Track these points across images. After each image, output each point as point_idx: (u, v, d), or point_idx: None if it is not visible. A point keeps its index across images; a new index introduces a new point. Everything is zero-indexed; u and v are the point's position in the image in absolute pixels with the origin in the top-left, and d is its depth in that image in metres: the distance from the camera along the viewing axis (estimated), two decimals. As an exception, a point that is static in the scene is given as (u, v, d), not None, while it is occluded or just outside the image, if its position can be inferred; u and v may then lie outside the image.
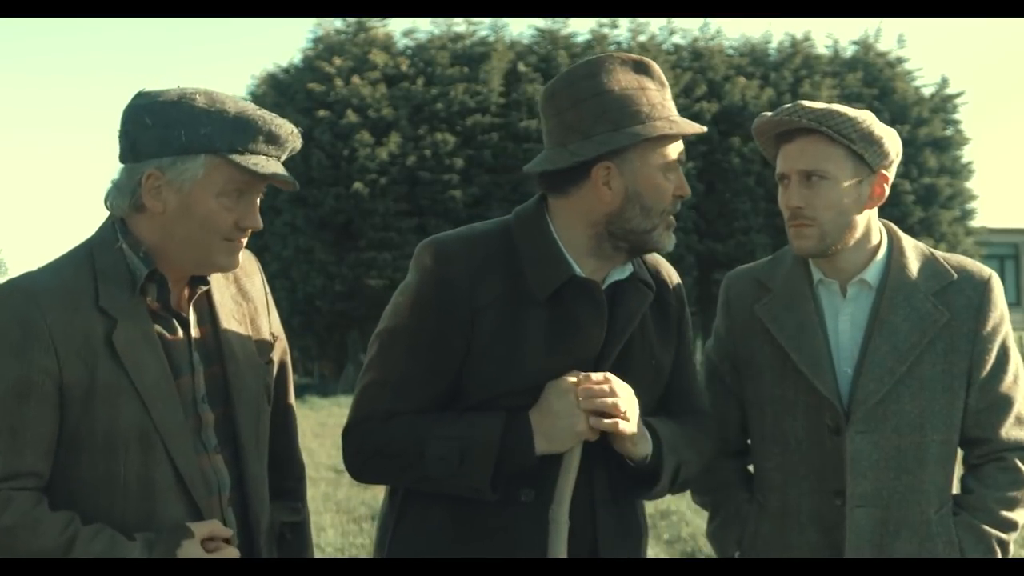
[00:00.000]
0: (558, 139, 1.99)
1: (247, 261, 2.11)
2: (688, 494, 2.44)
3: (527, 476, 1.96)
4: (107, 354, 1.84)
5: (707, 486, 2.41)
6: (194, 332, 1.98)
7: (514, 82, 19.76)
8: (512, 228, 2.05)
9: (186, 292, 1.98)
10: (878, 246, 2.29)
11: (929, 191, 21.24)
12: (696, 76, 20.29)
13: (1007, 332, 2.30)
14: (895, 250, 2.30)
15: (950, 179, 21.87)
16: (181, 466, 1.88)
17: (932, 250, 2.35)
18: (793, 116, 2.18)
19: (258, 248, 17.19)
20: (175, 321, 1.95)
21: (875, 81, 21.63)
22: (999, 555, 2.23)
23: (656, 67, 2.03)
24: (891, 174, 2.25)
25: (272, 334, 2.15)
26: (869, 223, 2.27)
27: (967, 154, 23.33)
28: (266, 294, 2.17)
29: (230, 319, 2.04)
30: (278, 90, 19.94)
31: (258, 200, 1.95)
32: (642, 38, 20.95)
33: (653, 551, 5.78)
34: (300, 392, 13.50)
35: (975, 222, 22.88)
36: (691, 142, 1.87)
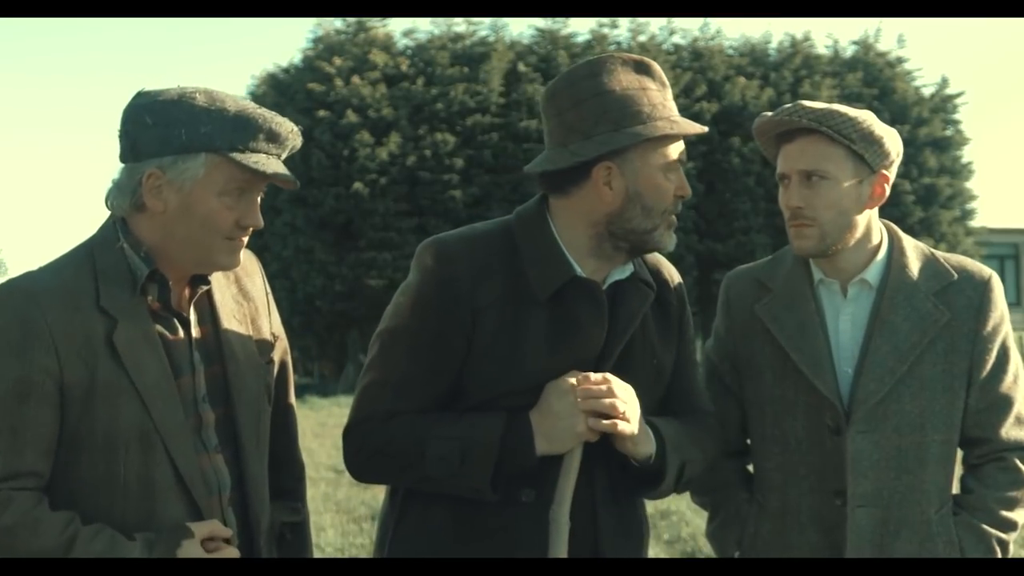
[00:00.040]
0: (559, 139, 1.99)
1: (248, 261, 2.11)
2: (688, 494, 2.44)
3: (528, 476, 1.96)
4: (108, 354, 1.83)
5: (707, 486, 2.41)
6: (195, 332, 1.98)
7: (514, 82, 19.75)
8: (513, 228, 2.05)
9: (187, 292, 1.98)
10: (879, 246, 2.29)
11: (929, 191, 21.25)
12: (696, 76, 20.29)
13: (1007, 332, 2.30)
14: (896, 250, 2.30)
15: (950, 179, 21.87)
16: (181, 466, 1.87)
17: (932, 250, 2.35)
18: (793, 116, 2.18)
19: (258, 248, 17.12)
20: (176, 321, 1.95)
21: (875, 81, 21.64)
22: (999, 555, 2.24)
23: (657, 67, 2.03)
24: (892, 174, 2.25)
25: (273, 334, 2.15)
26: (869, 223, 2.27)
27: (967, 154, 23.35)
28: (267, 294, 2.17)
29: (231, 319, 2.04)
30: (278, 90, 19.94)
31: (259, 198, 1.95)
32: (642, 38, 20.95)
33: (653, 551, 5.77)
34: (300, 392, 13.48)
35: (975, 222, 22.89)
36: (691, 142, 1.87)
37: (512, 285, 1.98)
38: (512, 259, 2.00)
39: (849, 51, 22.34)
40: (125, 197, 1.90)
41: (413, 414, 1.98)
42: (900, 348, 2.21)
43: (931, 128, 21.64)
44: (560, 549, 1.97)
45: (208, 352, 1.99)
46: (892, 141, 2.22)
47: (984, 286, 2.27)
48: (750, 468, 2.44)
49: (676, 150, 2.01)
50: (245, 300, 2.10)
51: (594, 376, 1.94)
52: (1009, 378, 2.27)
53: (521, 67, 19.76)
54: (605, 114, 1.94)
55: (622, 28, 21.06)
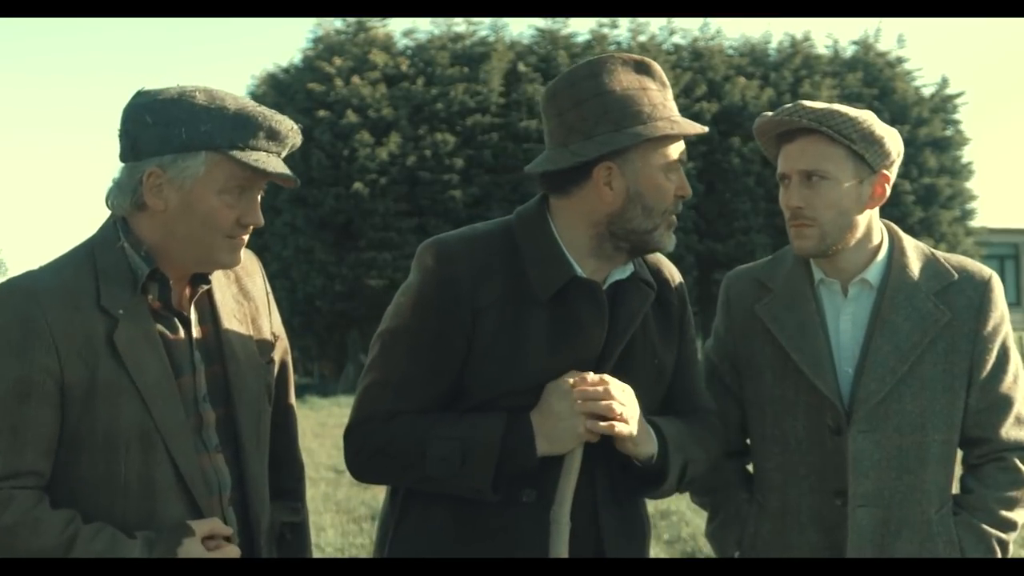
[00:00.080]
0: (559, 139, 1.98)
1: (248, 260, 2.11)
2: (688, 494, 2.44)
3: (528, 477, 1.96)
4: (108, 353, 1.83)
5: (707, 486, 2.41)
6: (195, 331, 1.98)
7: (514, 82, 19.75)
8: (514, 228, 2.05)
9: (187, 291, 1.98)
10: (879, 246, 2.29)
11: (929, 191, 21.25)
12: (696, 76, 20.29)
13: (1007, 332, 2.30)
14: (896, 250, 2.30)
15: (950, 179, 21.88)
16: (182, 465, 1.87)
17: (933, 250, 2.35)
18: (794, 116, 2.18)
19: (258, 248, 17.10)
20: (176, 320, 1.95)
21: (875, 81, 21.64)
22: (999, 555, 2.24)
23: (657, 67, 2.03)
24: (892, 174, 2.25)
25: (273, 334, 2.15)
26: (870, 223, 2.27)
27: (967, 154, 23.37)
28: (267, 294, 2.17)
29: (231, 318, 2.04)
30: (278, 90, 19.93)
31: (259, 197, 1.95)
32: (642, 38, 20.96)
33: (653, 551, 5.74)
34: (300, 392, 13.48)
35: (975, 222, 22.90)
36: (691, 142, 1.87)
37: (513, 285, 1.98)
38: (512, 259, 2.00)
39: (849, 51, 22.35)
40: (125, 196, 1.90)
41: (414, 414, 1.98)
42: (901, 348, 2.21)
43: (931, 128, 21.65)
44: (561, 549, 1.97)
45: (209, 352, 1.99)
46: (892, 141, 2.22)
47: (984, 286, 2.27)
48: (750, 468, 2.44)
49: (676, 150, 2.01)
50: (246, 300, 2.10)
51: (591, 377, 1.94)
52: (1009, 378, 2.27)
53: (521, 67, 19.77)
54: (606, 114, 1.94)
55: (622, 28, 21.09)
